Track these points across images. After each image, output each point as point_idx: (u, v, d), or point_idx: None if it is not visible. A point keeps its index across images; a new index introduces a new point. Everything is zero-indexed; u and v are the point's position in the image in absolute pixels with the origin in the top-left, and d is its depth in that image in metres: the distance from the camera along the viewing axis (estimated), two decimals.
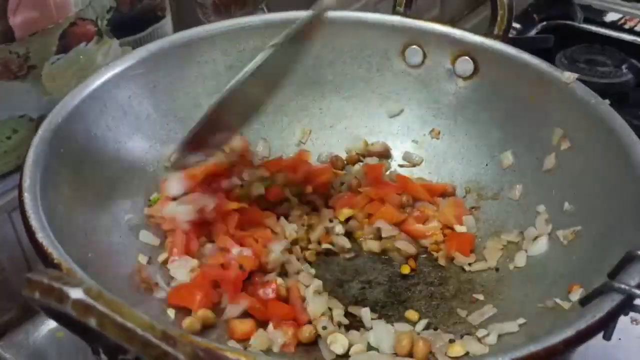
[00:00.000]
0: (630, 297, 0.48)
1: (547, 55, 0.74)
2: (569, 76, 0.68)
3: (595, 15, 1.19)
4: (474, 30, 0.74)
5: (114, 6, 0.67)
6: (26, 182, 0.54)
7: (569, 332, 0.46)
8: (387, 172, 0.77)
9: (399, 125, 0.79)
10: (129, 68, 0.68)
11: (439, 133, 0.77)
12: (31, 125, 0.66)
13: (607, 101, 0.66)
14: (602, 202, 0.62)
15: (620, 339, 0.54)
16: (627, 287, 0.48)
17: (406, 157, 0.78)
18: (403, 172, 0.77)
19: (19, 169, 0.55)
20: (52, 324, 0.65)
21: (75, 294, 0.36)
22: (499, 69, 0.73)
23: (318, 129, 0.79)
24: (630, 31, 1.15)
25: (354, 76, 0.79)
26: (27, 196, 0.53)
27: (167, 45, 0.71)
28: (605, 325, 0.47)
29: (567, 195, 0.66)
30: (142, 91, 0.70)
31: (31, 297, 0.38)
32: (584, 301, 0.50)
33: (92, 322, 0.36)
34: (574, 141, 0.67)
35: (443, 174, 0.76)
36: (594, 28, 1.15)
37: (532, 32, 1.08)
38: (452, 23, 1.11)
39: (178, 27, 0.75)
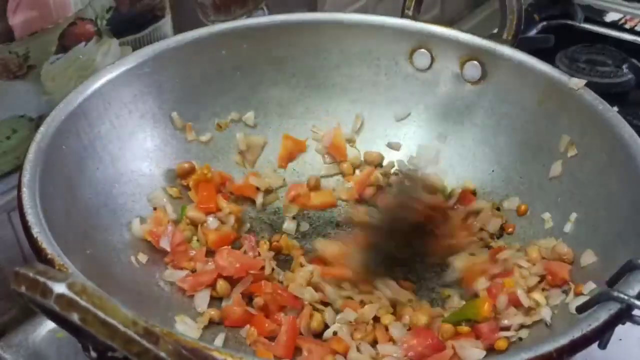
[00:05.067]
0: (629, 307, 0.47)
1: (547, 55, 0.74)
2: (577, 82, 0.67)
3: (595, 15, 1.18)
4: (474, 30, 0.74)
5: (114, 6, 0.68)
6: (26, 177, 0.54)
7: (562, 341, 0.45)
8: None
9: (406, 129, 0.78)
10: (135, 67, 0.68)
11: (446, 138, 0.76)
12: (31, 125, 0.66)
13: (615, 108, 0.65)
14: (607, 210, 0.61)
15: (620, 339, 0.53)
16: (625, 297, 0.47)
17: (412, 161, 0.77)
18: None
19: (18, 169, 0.55)
20: (51, 324, 0.65)
21: (59, 288, 0.36)
22: (507, 74, 0.72)
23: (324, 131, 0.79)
24: (631, 31, 1.14)
25: (362, 79, 0.78)
26: (25, 191, 0.53)
27: (173, 45, 0.71)
28: (601, 335, 0.46)
29: (573, 203, 0.65)
30: (148, 90, 0.70)
31: (18, 291, 0.38)
32: (581, 308, 0.49)
33: (75, 317, 0.36)
34: (581, 148, 0.66)
35: (449, 179, 0.75)
36: (594, 28, 1.15)
37: (532, 32, 1.07)
38: (452, 23, 1.11)
39: (177, 26, 0.75)
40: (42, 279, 0.37)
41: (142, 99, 0.69)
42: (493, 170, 0.73)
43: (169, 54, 0.70)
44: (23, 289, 0.38)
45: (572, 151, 0.67)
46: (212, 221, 0.68)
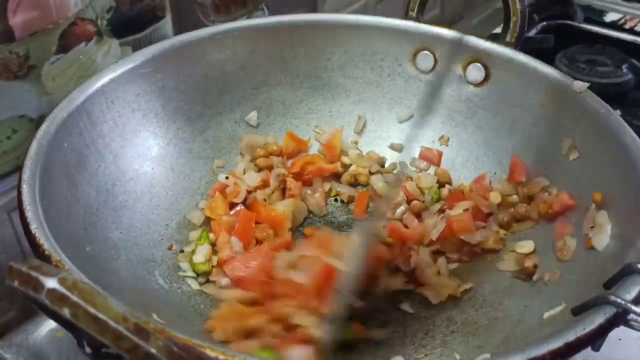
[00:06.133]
0: (625, 311, 0.47)
1: (547, 55, 0.73)
2: (579, 85, 0.66)
3: (595, 15, 1.18)
4: (474, 31, 0.73)
5: (114, 6, 0.68)
6: (26, 174, 0.54)
7: (557, 344, 0.44)
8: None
9: (408, 130, 0.78)
10: (138, 66, 0.68)
11: (448, 140, 0.76)
12: (31, 125, 0.67)
13: (618, 111, 0.65)
14: (608, 213, 0.61)
15: (620, 339, 0.52)
16: (622, 301, 0.47)
17: (414, 163, 0.77)
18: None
19: (19, 169, 0.55)
20: (51, 324, 0.65)
21: (50, 283, 0.36)
22: (510, 77, 0.72)
23: None
24: (631, 31, 1.14)
25: (365, 80, 0.78)
26: (25, 188, 0.53)
27: (177, 44, 0.71)
28: (596, 339, 0.46)
29: None
30: (151, 89, 0.70)
31: (12, 286, 0.39)
32: (577, 310, 0.49)
33: (66, 312, 0.36)
34: (582, 151, 0.66)
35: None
36: (594, 28, 1.14)
37: (532, 32, 1.07)
38: (452, 23, 1.11)
39: (178, 27, 0.76)
40: (34, 274, 0.37)
41: (145, 97, 0.70)
42: (495, 173, 0.73)
43: (172, 53, 0.71)
44: (16, 283, 0.38)
45: (573, 154, 0.66)
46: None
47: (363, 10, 1.01)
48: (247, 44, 0.75)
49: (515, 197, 0.70)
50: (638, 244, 0.54)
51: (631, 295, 0.48)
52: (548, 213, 0.66)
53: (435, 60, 0.76)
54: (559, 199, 0.66)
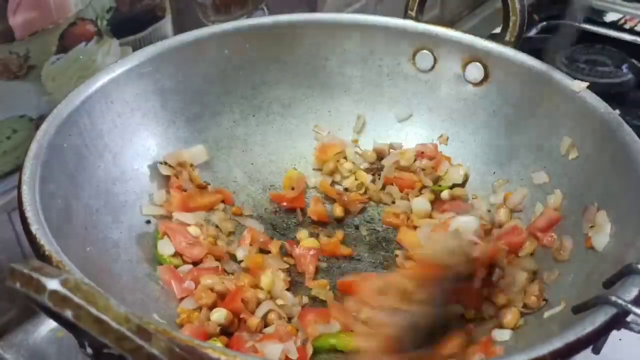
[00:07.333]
0: (625, 312, 0.47)
1: (547, 55, 0.74)
2: (578, 84, 0.66)
3: (595, 15, 1.19)
4: (474, 31, 0.73)
5: (114, 6, 0.68)
6: (26, 175, 0.54)
7: (557, 344, 0.44)
8: None
9: (408, 130, 0.78)
10: (137, 66, 0.68)
11: (447, 139, 0.76)
12: (31, 125, 0.66)
13: (617, 111, 0.65)
14: (608, 212, 0.61)
15: (620, 339, 0.52)
16: (622, 302, 0.47)
17: None
18: None
19: (19, 169, 0.55)
20: (52, 324, 0.65)
21: (52, 284, 0.36)
22: (509, 76, 0.72)
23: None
24: (631, 31, 1.15)
25: (364, 79, 0.78)
26: (25, 188, 0.53)
27: (176, 44, 0.71)
28: (596, 340, 0.46)
29: (574, 205, 0.65)
30: (150, 89, 0.70)
31: (13, 287, 0.39)
32: (577, 309, 0.49)
33: (68, 313, 0.36)
34: (582, 150, 0.66)
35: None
36: (594, 28, 1.15)
37: (532, 32, 1.08)
38: (452, 23, 1.11)
39: (178, 27, 0.76)
40: (36, 275, 0.37)
41: (145, 97, 0.70)
42: (494, 172, 0.73)
43: (172, 53, 0.70)
44: (18, 285, 0.38)
45: (573, 153, 0.66)
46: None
47: (363, 10, 1.01)
48: (246, 44, 0.75)
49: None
50: (638, 243, 0.54)
51: (631, 295, 0.48)
52: (535, 228, 0.67)
53: (435, 60, 0.76)
54: (545, 216, 0.66)
